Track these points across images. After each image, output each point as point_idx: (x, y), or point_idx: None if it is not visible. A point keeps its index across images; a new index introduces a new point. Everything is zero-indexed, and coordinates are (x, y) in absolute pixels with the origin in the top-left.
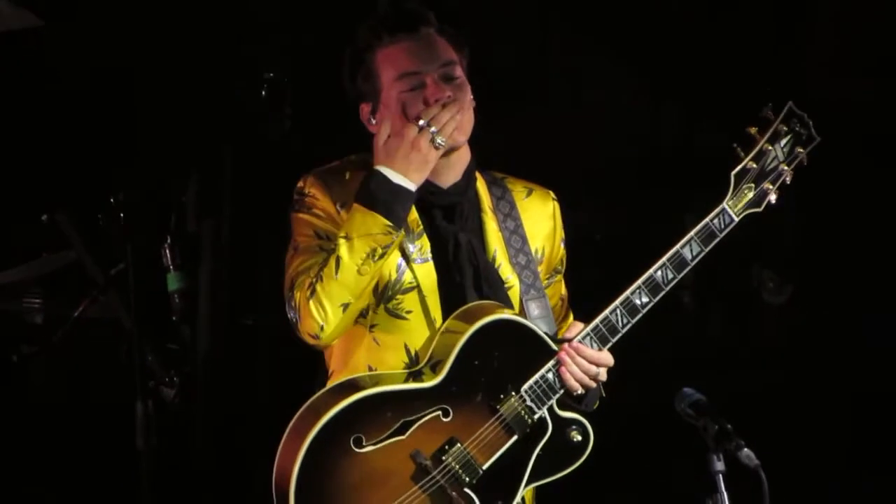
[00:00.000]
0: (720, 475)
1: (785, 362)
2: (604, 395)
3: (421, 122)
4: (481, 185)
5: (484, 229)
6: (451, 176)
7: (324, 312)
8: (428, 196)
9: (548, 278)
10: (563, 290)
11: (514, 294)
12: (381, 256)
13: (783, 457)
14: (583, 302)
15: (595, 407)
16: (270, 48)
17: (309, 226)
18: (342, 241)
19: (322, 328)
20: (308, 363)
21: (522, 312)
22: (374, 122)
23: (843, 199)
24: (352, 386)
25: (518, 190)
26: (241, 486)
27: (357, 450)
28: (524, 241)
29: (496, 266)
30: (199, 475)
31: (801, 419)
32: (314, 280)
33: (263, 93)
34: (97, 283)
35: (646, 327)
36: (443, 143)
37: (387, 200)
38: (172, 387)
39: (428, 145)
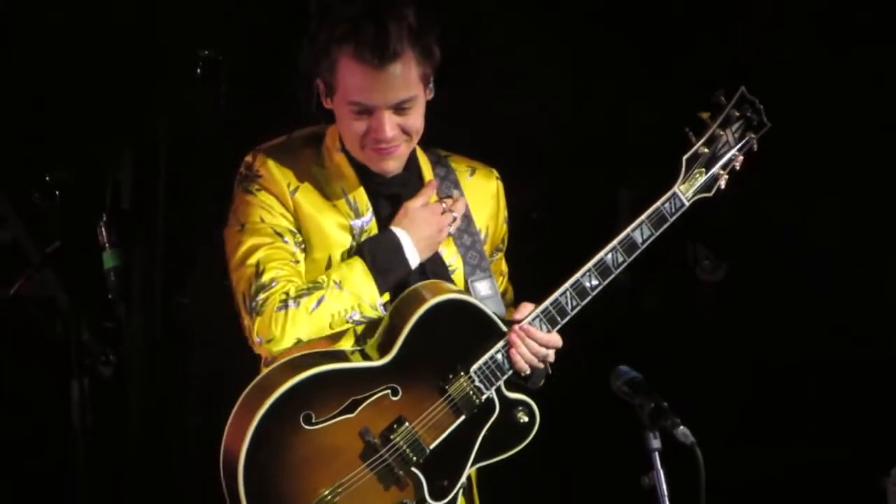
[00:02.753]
0: (656, 453)
1: (721, 338)
2: (550, 372)
3: (453, 216)
4: (424, 165)
5: None
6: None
7: (281, 333)
8: (374, 186)
9: (490, 256)
10: (504, 267)
11: (458, 276)
12: (356, 323)
13: (719, 434)
14: (519, 279)
15: (541, 384)
16: (206, 25)
17: (258, 212)
18: (333, 286)
19: (271, 342)
20: (243, 342)
21: (468, 293)
22: (328, 100)
23: (779, 175)
24: (302, 363)
25: (462, 169)
26: (175, 465)
27: (307, 426)
28: (469, 221)
29: (438, 250)
30: (135, 454)
31: (738, 395)
32: (290, 298)
33: (198, 71)
34: (33, 262)
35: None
36: (451, 233)
37: (387, 270)
38: (108, 365)
39: (447, 235)
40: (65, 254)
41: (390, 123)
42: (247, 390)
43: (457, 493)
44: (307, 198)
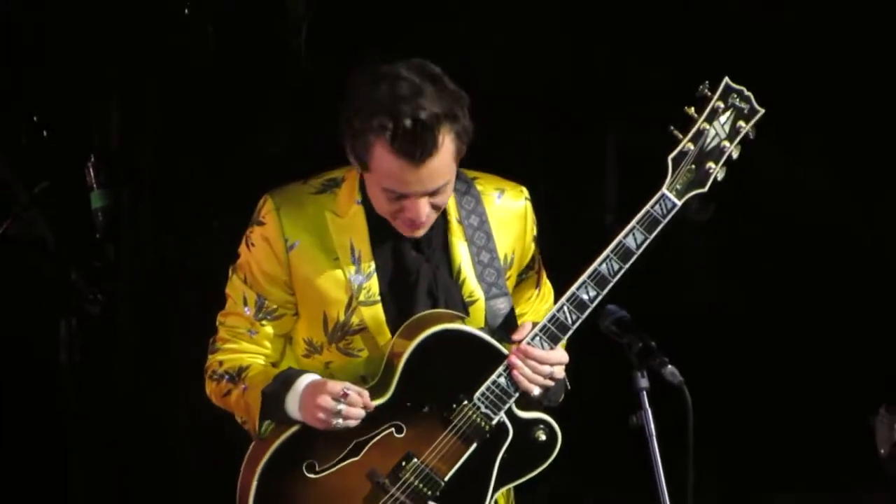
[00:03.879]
0: (644, 392)
1: (709, 278)
2: (569, 387)
3: (334, 422)
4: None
5: (451, 250)
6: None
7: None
8: (393, 228)
9: (520, 275)
10: (540, 280)
11: (479, 307)
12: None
13: (706, 375)
14: None
15: (560, 400)
16: None
17: (246, 268)
18: (241, 389)
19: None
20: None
21: (465, 320)
22: (359, 168)
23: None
24: None
25: (489, 192)
26: (162, 402)
27: (310, 475)
28: (489, 238)
29: (460, 282)
30: (122, 391)
31: (725, 337)
32: (216, 371)
33: (186, 11)
34: (20, 201)
35: (569, 250)
36: (340, 426)
37: (276, 417)
38: (96, 304)
39: (331, 425)
40: (52, 194)
41: (425, 208)
42: (253, 444)
43: None
44: (306, 254)
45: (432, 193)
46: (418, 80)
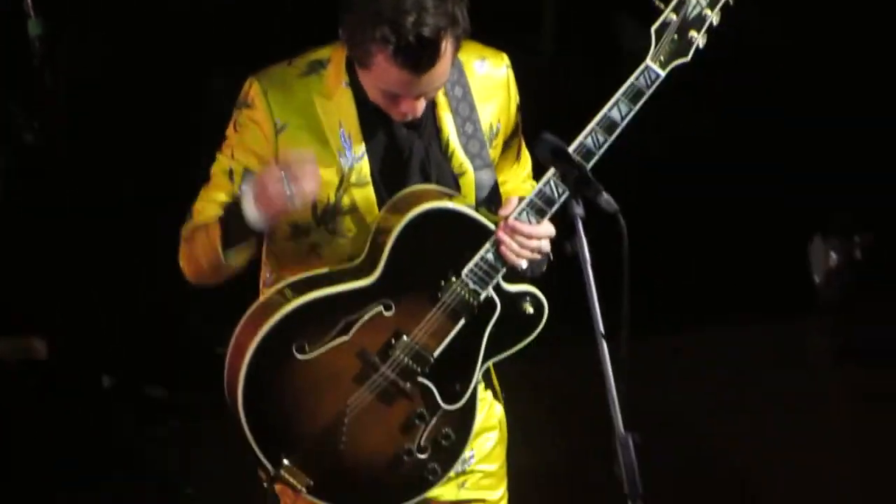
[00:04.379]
0: (579, 219)
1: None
2: (551, 258)
3: (287, 193)
4: None
5: (439, 123)
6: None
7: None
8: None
9: (505, 144)
10: (521, 148)
11: (468, 180)
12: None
13: (642, 196)
14: None
15: (542, 271)
16: None
17: (230, 151)
18: (199, 230)
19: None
20: None
21: (455, 197)
22: (356, 64)
23: None
24: (283, 293)
25: (471, 62)
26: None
27: (301, 356)
28: (471, 108)
29: (449, 155)
30: (59, 218)
31: (664, 167)
32: (182, 239)
33: None
34: None
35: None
36: (292, 199)
37: (237, 232)
38: (32, 131)
39: (282, 199)
40: None
41: (422, 104)
42: (238, 328)
43: (473, 394)
44: (295, 137)
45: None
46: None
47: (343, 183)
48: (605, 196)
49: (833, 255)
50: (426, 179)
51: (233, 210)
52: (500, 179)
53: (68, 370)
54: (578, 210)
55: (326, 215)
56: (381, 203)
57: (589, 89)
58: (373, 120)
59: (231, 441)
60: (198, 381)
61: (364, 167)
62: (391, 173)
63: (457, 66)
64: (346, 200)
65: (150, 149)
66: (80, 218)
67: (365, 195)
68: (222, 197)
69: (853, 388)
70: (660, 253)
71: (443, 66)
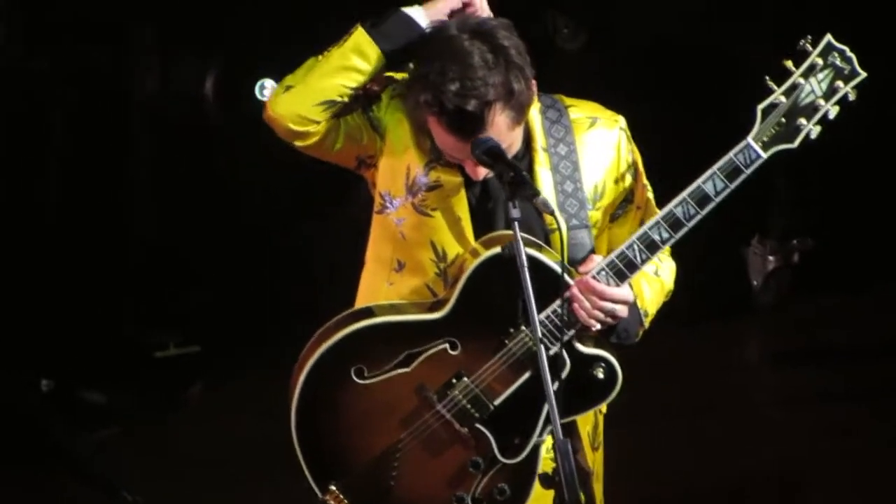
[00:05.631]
0: (515, 222)
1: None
2: (646, 327)
3: None
4: (534, 109)
5: (534, 176)
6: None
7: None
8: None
9: (616, 210)
10: (648, 216)
11: (558, 237)
12: (356, 87)
13: None
14: None
15: (636, 340)
16: None
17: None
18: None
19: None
20: None
21: (542, 246)
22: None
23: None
24: (353, 315)
25: (581, 121)
26: (33, 219)
27: (358, 381)
28: (575, 168)
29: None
30: None
31: None
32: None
33: None
34: None
35: None
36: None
37: (387, 31)
38: None
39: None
40: None
41: (483, 169)
42: (308, 344)
43: (534, 452)
44: (403, 111)
45: None
46: (477, 55)
47: (431, 161)
48: (542, 198)
49: (771, 258)
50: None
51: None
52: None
53: (6, 373)
54: (514, 213)
55: (414, 187)
56: (466, 183)
57: None
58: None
59: (170, 446)
60: (135, 386)
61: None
62: (480, 205)
63: (564, 125)
64: (433, 175)
65: (79, 150)
66: (16, 220)
67: (450, 177)
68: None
69: (787, 390)
70: None
71: (494, 133)
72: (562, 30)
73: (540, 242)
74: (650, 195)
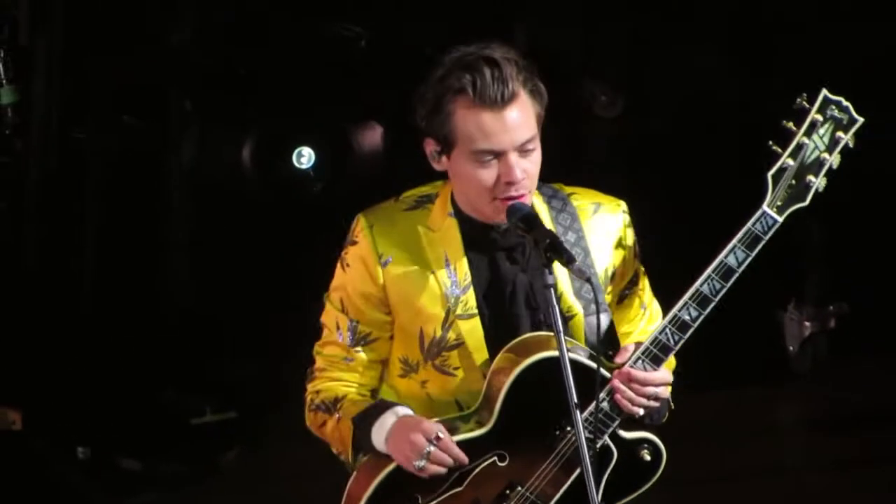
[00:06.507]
0: (552, 289)
1: (620, 175)
2: (672, 406)
3: (416, 463)
4: (538, 200)
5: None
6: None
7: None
8: (487, 239)
9: (622, 292)
10: (646, 298)
11: (578, 322)
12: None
13: None
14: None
15: (664, 420)
16: None
17: (341, 292)
18: (336, 419)
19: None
20: None
21: (586, 334)
22: (439, 160)
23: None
24: None
25: (584, 206)
26: (70, 296)
27: None
28: (585, 254)
29: (557, 297)
30: (32, 288)
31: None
32: (312, 402)
33: None
34: None
35: None
36: (420, 468)
37: (364, 447)
38: (3, 200)
39: (412, 465)
40: None
41: (518, 165)
42: (351, 478)
43: None
44: (401, 270)
45: (521, 151)
46: (484, 47)
47: (449, 315)
48: (577, 265)
49: (807, 324)
50: (533, 313)
51: (363, 426)
52: (623, 331)
53: (43, 441)
54: (549, 280)
55: (433, 350)
56: (487, 335)
57: (562, 148)
58: (477, 250)
59: None
60: (172, 453)
61: (470, 299)
62: (496, 305)
63: (570, 212)
64: (451, 334)
65: (116, 217)
66: (54, 287)
67: (471, 328)
68: (339, 355)
69: (823, 456)
70: None
71: (523, 110)
72: (599, 97)
73: (570, 339)
74: (645, 277)
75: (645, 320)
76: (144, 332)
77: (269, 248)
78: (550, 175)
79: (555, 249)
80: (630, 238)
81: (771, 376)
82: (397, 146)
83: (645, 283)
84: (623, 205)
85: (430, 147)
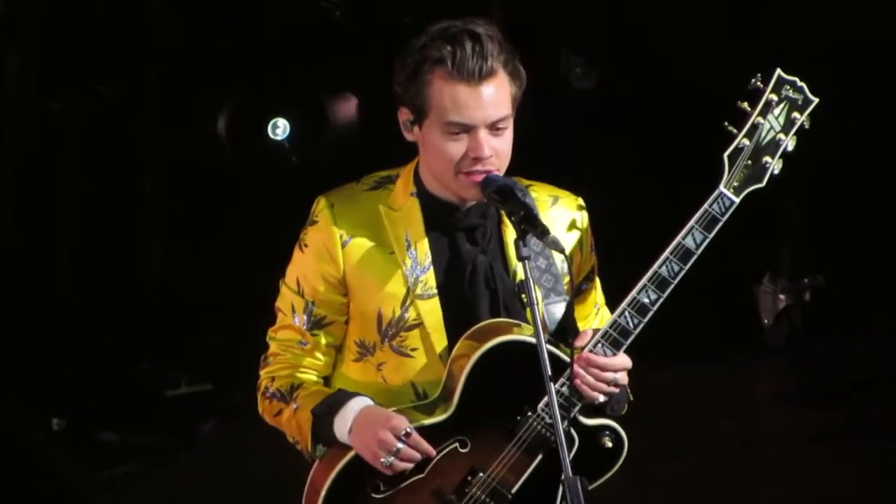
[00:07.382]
0: (526, 261)
1: (590, 142)
2: (631, 398)
3: (383, 460)
4: None
5: (505, 243)
6: (473, 194)
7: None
8: (449, 219)
9: (578, 286)
10: (598, 298)
11: (540, 307)
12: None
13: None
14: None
15: (624, 411)
16: None
17: (296, 277)
18: (293, 408)
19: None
20: None
21: (545, 320)
22: (411, 130)
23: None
24: None
25: (543, 199)
26: (46, 264)
27: (376, 496)
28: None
29: (517, 282)
30: (7, 264)
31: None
32: (267, 389)
33: None
34: None
35: None
36: (387, 465)
37: (322, 438)
38: None
39: (379, 461)
40: None
41: (487, 142)
42: (314, 466)
43: None
44: (361, 249)
45: (493, 129)
46: (469, 22)
47: (409, 295)
48: (552, 236)
49: (782, 297)
50: (493, 294)
51: (324, 418)
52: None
53: (17, 412)
54: (525, 251)
55: (391, 330)
56: (446, 315)
57: (537, 119)
58: (438, 231)
59: (182, 484)
60: (148, 425)
61: (430, 279)
62: (456, 286)
63: (530, 203)
64: (411, 314)
65: (92, 190)
66: (30, 260)
67: (431, 308)
68: (294, 339)
69: (799, 428)
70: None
71: (500, 88)
72: (574, 69)
73: (518, 322)
74: (598, 278)
75: (597, 320)
76: (120, 304)
77: (245, 220)
78: (524, 149)
79: (529, 221)
80: (587, 233)
81: (746, 350)
82: (372, 117)
83: (598, 283)
84: (580, 200)
85: (404, 116)
